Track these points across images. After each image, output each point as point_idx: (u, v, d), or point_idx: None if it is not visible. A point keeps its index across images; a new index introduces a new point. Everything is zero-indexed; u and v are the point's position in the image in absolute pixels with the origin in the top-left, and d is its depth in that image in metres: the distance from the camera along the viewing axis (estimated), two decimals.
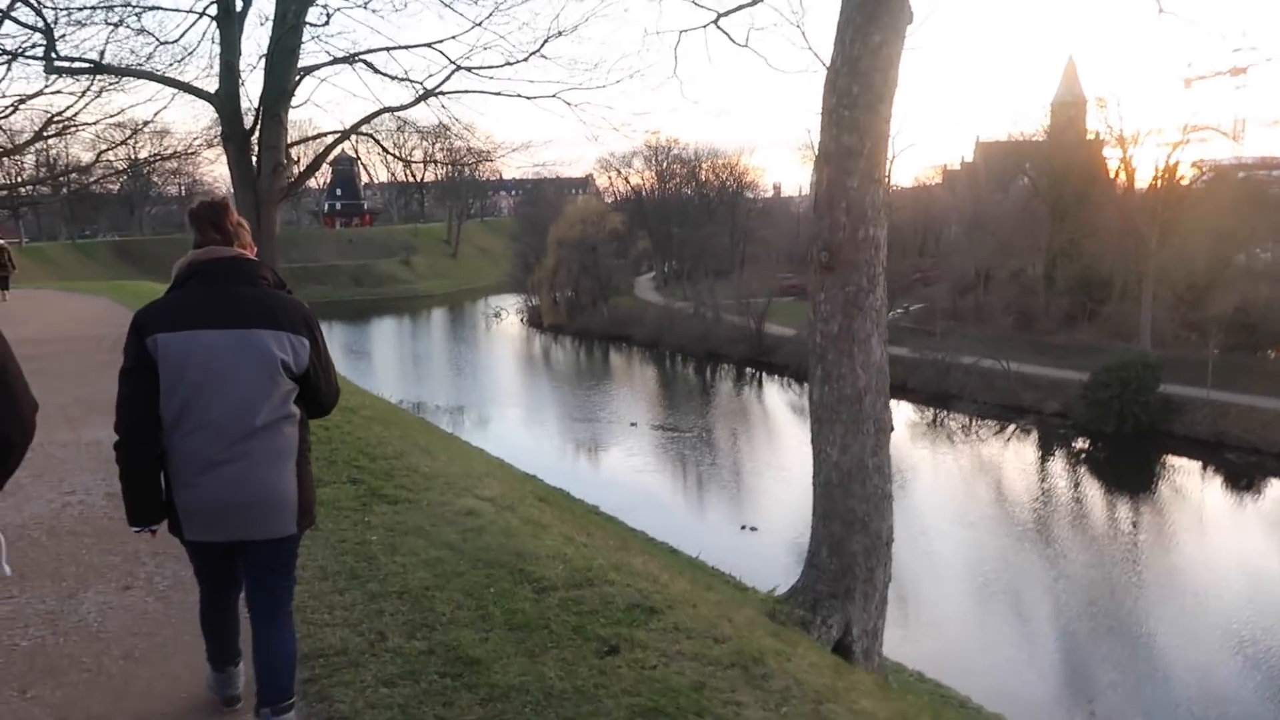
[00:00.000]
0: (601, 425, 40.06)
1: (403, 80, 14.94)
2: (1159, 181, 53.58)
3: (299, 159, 16.84)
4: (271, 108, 13.58)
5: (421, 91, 14.85)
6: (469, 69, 14.46)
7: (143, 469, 2.81)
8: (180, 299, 2.84)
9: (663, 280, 79.33)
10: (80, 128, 25.62)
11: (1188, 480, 32.11)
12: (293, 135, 15.41)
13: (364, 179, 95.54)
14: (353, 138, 17.09)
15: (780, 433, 39.15)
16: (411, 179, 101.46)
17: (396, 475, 5.85)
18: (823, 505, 5.63)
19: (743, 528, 26.17)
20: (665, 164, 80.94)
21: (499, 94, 14.98)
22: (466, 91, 14.99)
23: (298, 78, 14.14)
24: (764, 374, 51.31)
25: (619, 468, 33.28)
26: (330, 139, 16.58)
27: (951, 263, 56.57)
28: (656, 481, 32.30)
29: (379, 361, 55.73)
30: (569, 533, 5.18)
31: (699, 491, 31.05)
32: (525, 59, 14.42)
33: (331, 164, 65.08)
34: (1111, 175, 66.51)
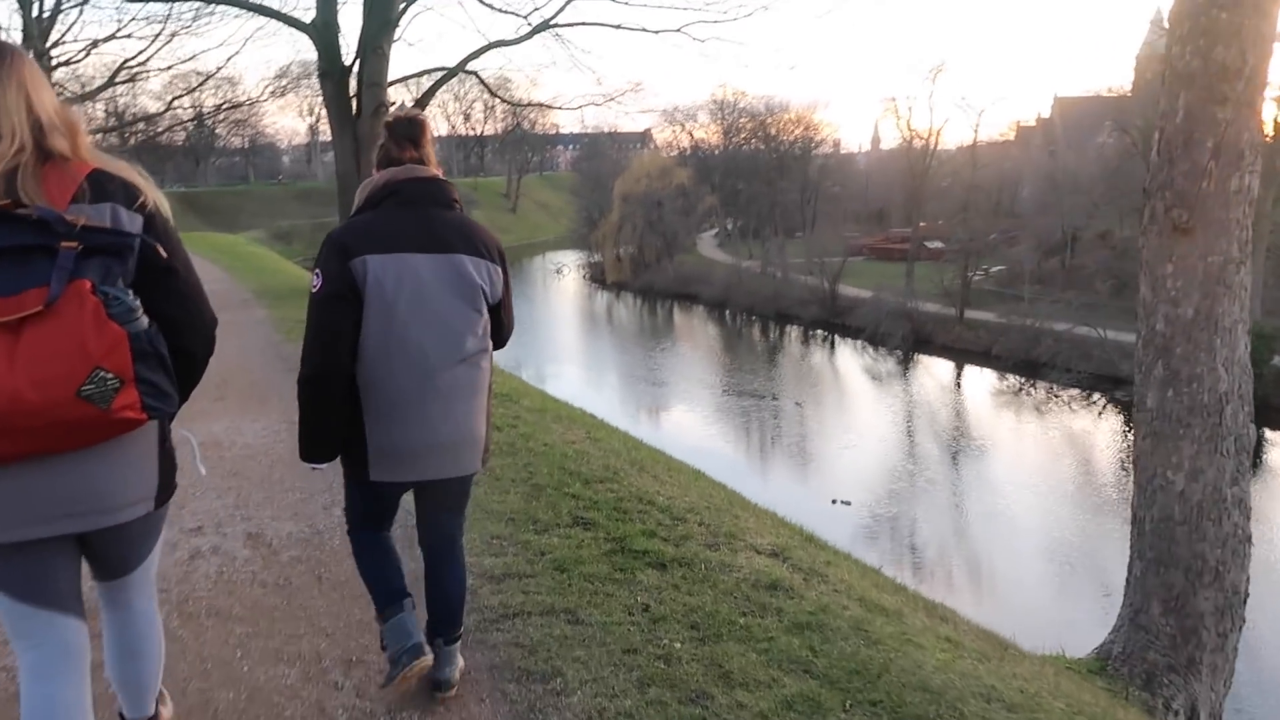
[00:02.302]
0: (677, 388, 38.90)
1: (508, 14, 13.57)
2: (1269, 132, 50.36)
3: (396, 102, 15.55)
4: (373, 39, 12.31)
5: (538, 23, 13.48)
6: None
7: (335, 405, 2.62)
8: (382, 219, 2.66)
9: (725, 237, 77.38)
10: (151, 74, 24.74)
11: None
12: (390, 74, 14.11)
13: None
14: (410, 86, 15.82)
15: (859, 400, 37.60)
16: (471, 131, 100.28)
17: (630, 510, 4.53)
18: (1156, 548, 4.31)
19: (833, 501, 24.90)
20: (731, 118, 78.59)
21: (619, 26, 13.60)
22: (584, 24, 13.63)
23: (403, 4, 12.83)
24: (837, 336, 49.53)
25: (704, 432, 32.14)
26: (430, 78, 15.20)
27: (1034, 223, 53.73)
28: (743, 448, 31.14)
29: None
30: (950, 634, 3.74)
31: (785, 460, 29.82)
32: None
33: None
34: None
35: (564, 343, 49.74)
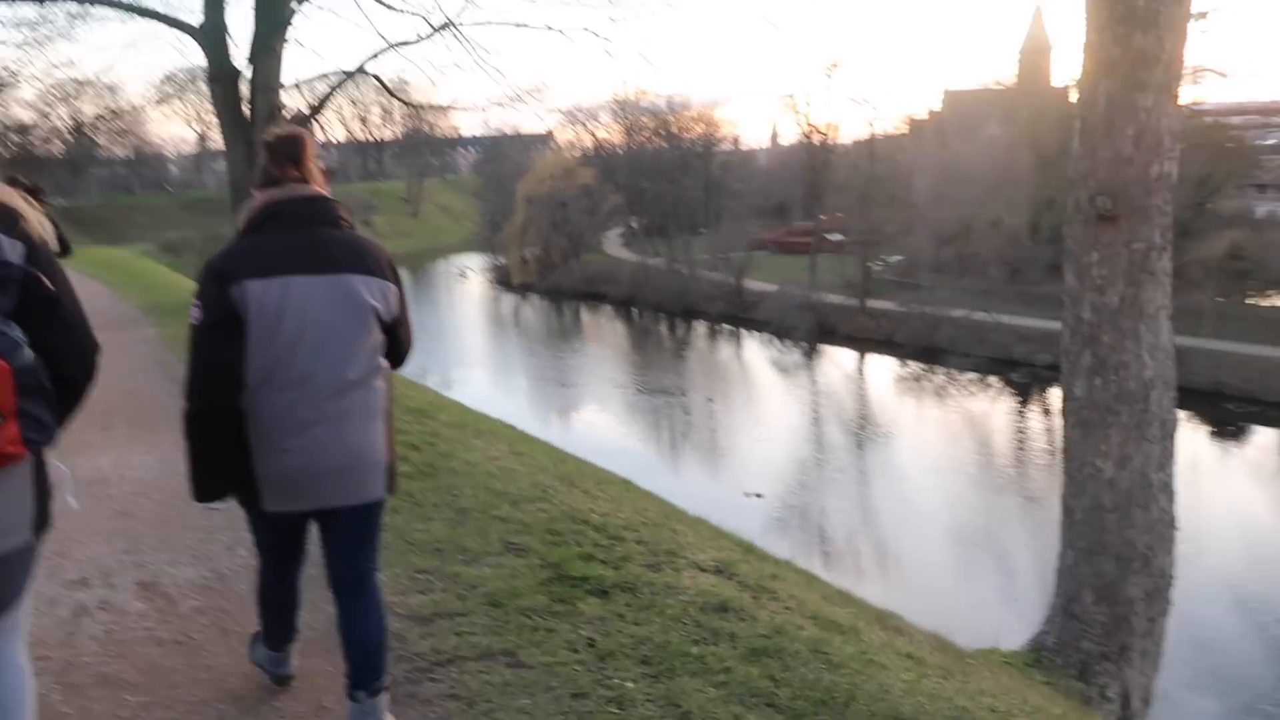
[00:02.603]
0: (590, 389, 38.68)
1: (407, 14, 13.07)
2: None
3: (291, 107, 14.82)
4: (265, 40, 11.68)
5: (439, 23, 13.01)
6: None
7: (223, 437, 2.55)
8: (263, 243, 2.59)
9: (631, 236, 77.40)
10: (23, 82, 23.19)
11: (1183, 432, 31.66)
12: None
13: (320, 136, 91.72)
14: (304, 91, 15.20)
15: (768, 393, 38.06)
16: (369, 136, 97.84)
17: (564, 531, 4.20)
18: (1087, 537, 4.31)
19: (746, 494, 25.07)
20: (633, 117, 78.65)
21: (523, 25, 13.24)
22: (488, 23, 13.22)
23: (295, 3, 12.22)
24: (744, 330, 50.12)
25: (618, 432, 31.99)
26: (327, 82, 14.52)
27: (929, 214, 55.30)
28: (657, 447, 31.11)
29: None
30: (911, 650, 3.54)
31: (698, 456, 29.91)
32: None
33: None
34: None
35: (472, 347, 48.93)
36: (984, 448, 30.64)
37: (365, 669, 2.73)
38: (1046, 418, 34.01)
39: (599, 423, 33.43)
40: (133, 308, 15.17)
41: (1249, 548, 21.69)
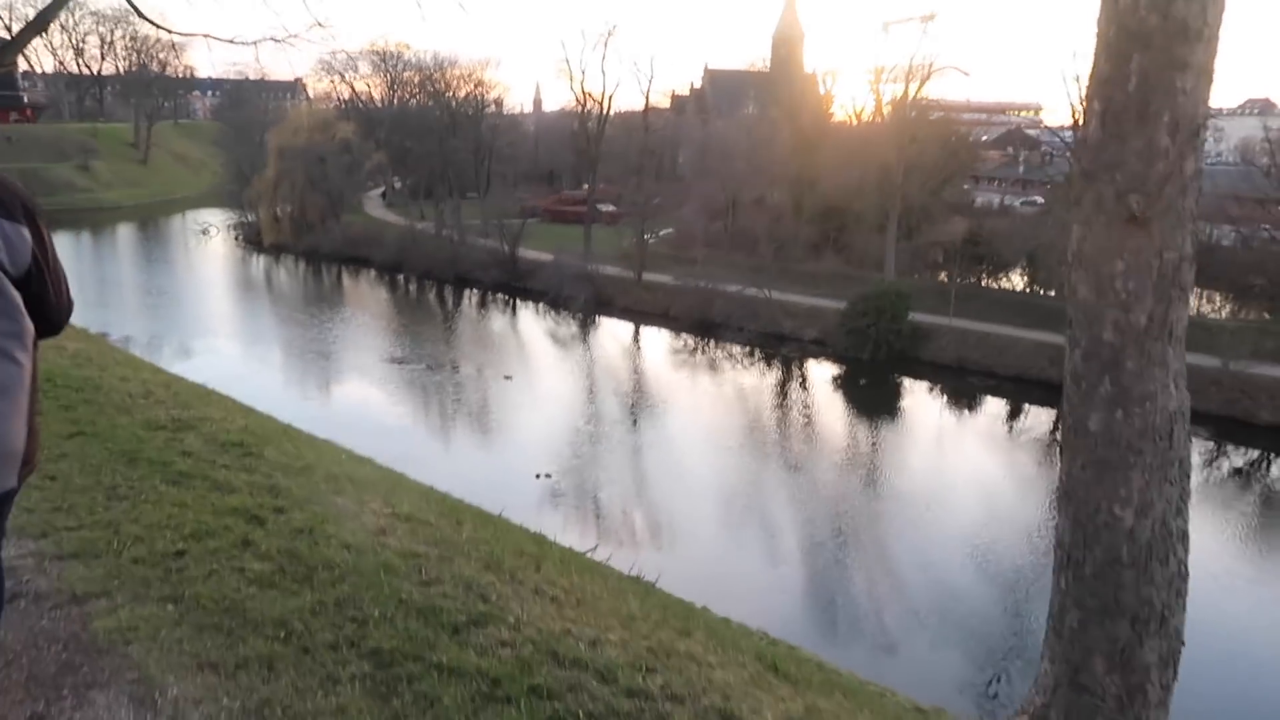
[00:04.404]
0: (354, 360, 35.99)
1: None
2: (881, 115, 56.97)
3: None
4: None
5: None
6: None
7: None
8: None
9: (395, 197, 73.44)
10: None
11: (933, 403, 34.31)
12: None
13: (21, 65, 79.02)
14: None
15: (552, 366, 37.23)
16: (86, 70, 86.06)
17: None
18: (1099, 595, 3.69)
19: (538, 475, 24.20)
20: (395, 72, 74.36)
21: None
22: None
23: None
24: (519, 300, 48.88)
25: (391, 410, 29.97)
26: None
27: (696, 187, 56.27)
28: (435, 425, 29.36)
29: None
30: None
31: (486, 435, 28.58)
32: None
33: None
34: (829, 108, 70.39)
35: (218, 314, 44.26)
36: (763, 419, 31.46)
37: None
38: (810, 389, 35.63)
39: (373, 401, 31.16)
40: None
41: (988, 505, 23.89)
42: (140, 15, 11.54)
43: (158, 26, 12.25)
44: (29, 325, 2.20)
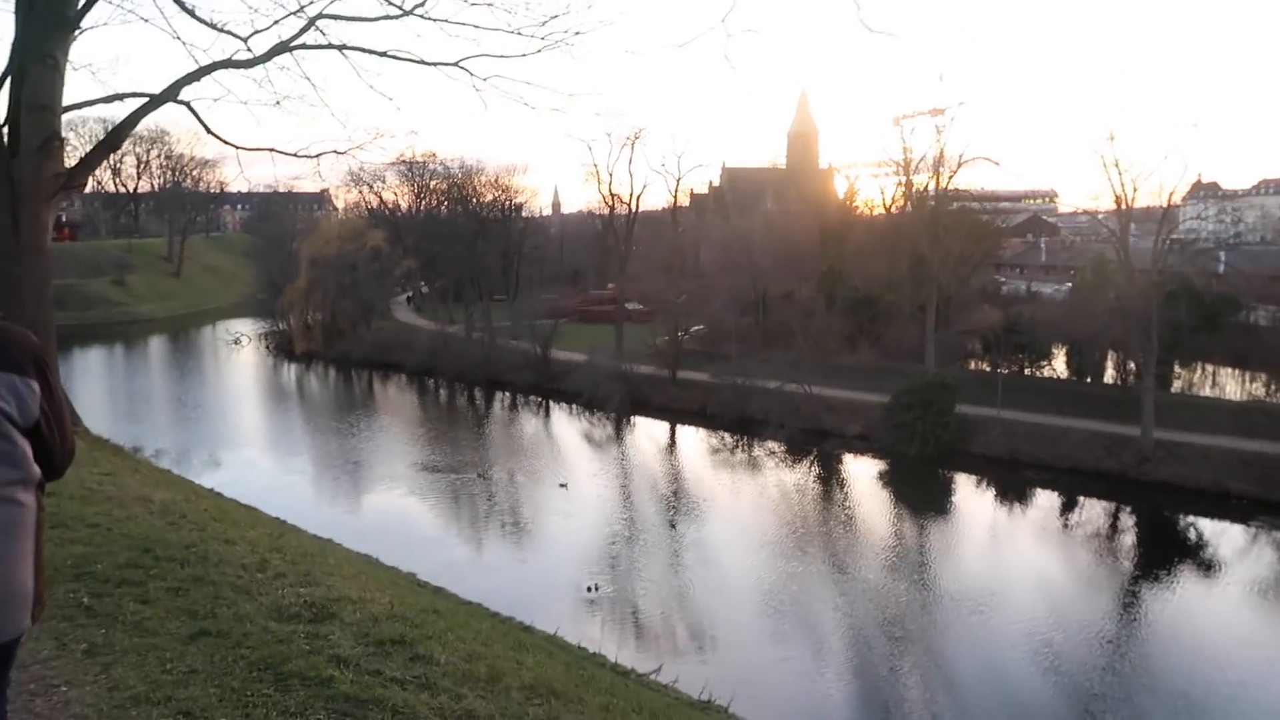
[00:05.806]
0: (396, 471, 35.38)
1: (226, 33, 10.52)
2: (905, 206, 57.18)
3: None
4: (39, 44, 8.71)
5: (274, 44, 10.51)
6: (333, 17, 10.36)
7: None
8: None
9: (421, 301, 74.01)
10: None
11: (987, 498, 33.24)
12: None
13: None
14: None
15: (594, 470, 36.41)
16: (123, 188, 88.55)
17: None
18: None
19: (588, 589, 23.32)
20: (423, 180, 75.97)
21: (384, 54, 11.03)
22: (340, 47, 10.83)
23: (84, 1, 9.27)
24: (553, 402, 48.39)
25: (440, 522, 29.27)
26: (128, 106, 11.34)
27: (721, 283, 56.17)
28: (482, 538, 28.50)
29: (89, 401, 46.08)
30: None
31: (533, 549, 27.61)
32: (408, 11, 10.57)
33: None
34: (848, 201, 71.06)
35: (248, 425, 43.98)
36: (811, 519, 30.44)
37: None
38: (857, 487, 34.60)
39: (415, 514, 30.48)
40: None
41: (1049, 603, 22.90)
42: (211, 133, 11.44)
43: (226, 143, 12.16)
44: (36, 472, 2.28)
